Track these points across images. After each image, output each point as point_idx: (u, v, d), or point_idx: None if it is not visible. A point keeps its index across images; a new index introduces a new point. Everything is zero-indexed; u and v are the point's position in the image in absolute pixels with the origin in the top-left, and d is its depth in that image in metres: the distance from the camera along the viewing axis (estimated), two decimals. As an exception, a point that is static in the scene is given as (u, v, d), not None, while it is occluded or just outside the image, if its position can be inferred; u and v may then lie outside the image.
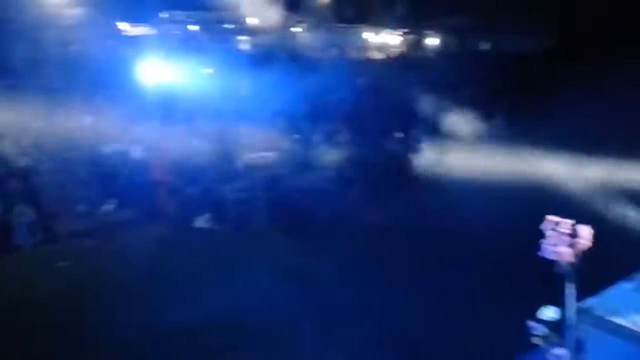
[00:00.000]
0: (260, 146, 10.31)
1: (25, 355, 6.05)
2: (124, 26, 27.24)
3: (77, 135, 9.92)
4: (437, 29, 21.73)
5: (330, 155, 10.60)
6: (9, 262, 8.36)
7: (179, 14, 26.99)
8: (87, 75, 14.62)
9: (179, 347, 5.97)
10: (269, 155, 10.20)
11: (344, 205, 9.36)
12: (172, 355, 5.95)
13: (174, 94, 10.91)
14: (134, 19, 28.18)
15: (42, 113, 10.50)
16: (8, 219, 8.64)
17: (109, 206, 9.44)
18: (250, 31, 24.30)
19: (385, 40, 24.19)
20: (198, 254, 8.40)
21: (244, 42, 20.44)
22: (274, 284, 7.27)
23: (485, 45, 19.48)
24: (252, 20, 26.57)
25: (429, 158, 11.49)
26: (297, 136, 10.92)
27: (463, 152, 11.11)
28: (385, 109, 12.31)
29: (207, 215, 9.58)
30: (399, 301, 6.63)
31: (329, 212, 8.96)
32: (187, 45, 19.09)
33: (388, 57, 21.23)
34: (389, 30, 23.80)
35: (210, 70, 12.27)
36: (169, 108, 11.10)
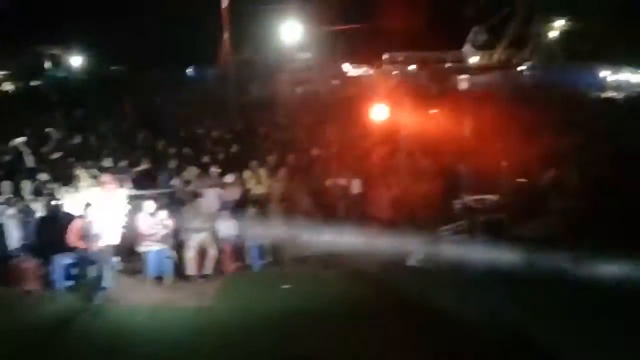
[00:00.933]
0: (481, 188, 9.90)
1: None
2: (348, 68, 29.27)
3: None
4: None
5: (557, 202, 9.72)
6: (242, 279, 9.26)
7: (399, 55, 28.07)
8: (314, 112, 15.88)
9: None
10: (490, 198, 9.73)
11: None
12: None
13: (396, 131, 11.19)
14: (357, 61, 30.12)
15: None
16: (243, 241, 9.51)
17: (327, 235, 9.86)
18: (472, 70, 24.15)
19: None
20: (407, 291, 8.38)
21: (464, 81, 20.30)
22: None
23: None
24: (473, 59, 26.38)
25: None
26: (522, 179, 10.25)
27: None
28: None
29: (420, 254, 9.50)
30: None
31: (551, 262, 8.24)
32: (404, 85, 19.52)
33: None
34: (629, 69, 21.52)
35: (434, 110, 12.40)
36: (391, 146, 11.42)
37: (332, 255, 9.69)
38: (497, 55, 26.63)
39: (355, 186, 10.31)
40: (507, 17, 27.08)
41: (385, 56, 28.83)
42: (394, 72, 26.35)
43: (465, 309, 7.62)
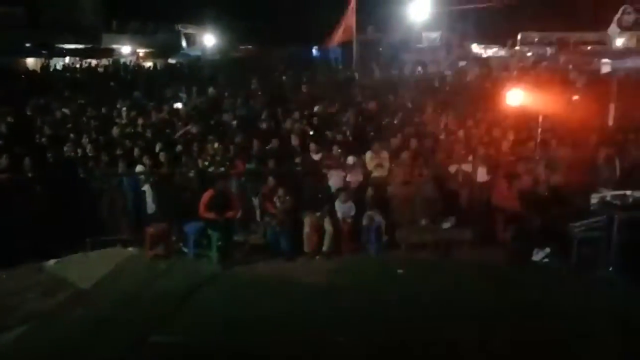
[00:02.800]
0: (624, 182, 9.02)
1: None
2: (477, 48, 27.98)
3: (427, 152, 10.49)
4: None
5: None
6: (358, 260, 9.25)
7: (534, 35, 26.26)
8: (439, 94, 15.38)
9: None
10: (633, 195, 8.84)
11: None
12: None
13: (531, 118, 10.52)
14: (487, 42, 28.69)
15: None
16: (358, 221, 9.49)
17: (447, 224, 9.58)
18: (619, 52, 22.06)
19: None
20: (530, 288, 7.87)
21: (608, 65, 18.55)
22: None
23: None
24: (620, 41, 24.07)
25: None
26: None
27: None
28: None
29: (546, 250, 8.93)
30: None
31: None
32: (540, 67, 18.26)
33: None
34: None
35: (573, 96, 11.49)
36: (521, 133, 10.77)
37: (452, 243, 9.41)
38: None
39: (481, 174, 9.84)
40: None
41: (518, 36, 27.11)
42: (528, 54, 24.71)
43: (588, 312, 7.03)
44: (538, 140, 9.75)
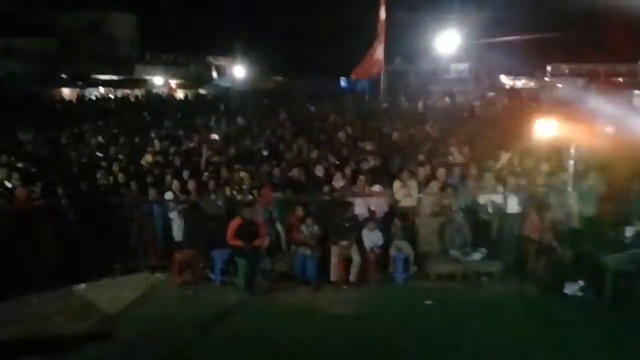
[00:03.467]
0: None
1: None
2: (505, 80, 27.96)
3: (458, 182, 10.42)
4: None
5: None
6: (385, 290, 9.16)
7: (564, 67, 26.19)
8: (468, 124, 15.33)
9: None
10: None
11: None
12: None
13: (561, 150, 10.38)
14: (516, 73, 28.66)
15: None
16: (386, 251, 9.40)
17: (477, 255, 9.41)
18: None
19: None
20: (565, 323, 7.66)
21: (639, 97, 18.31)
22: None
23: None
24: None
25: None
26: None
27: None
28: None
29: (580, 283, 8.69)
30: None
31: None
32: (574, 98, 18.07)
33: None
34: None
35: (609, 129, 11.28)
36: (553, 164, 10.62)
37: (482, 274, 9.24)
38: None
39: (512, 204, 9.68)
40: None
41: (548, 68, 27.04)
42: (558, 85, 24.57)
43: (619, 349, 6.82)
44: (571, 171, 9.56)
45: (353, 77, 22.30)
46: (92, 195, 10.47)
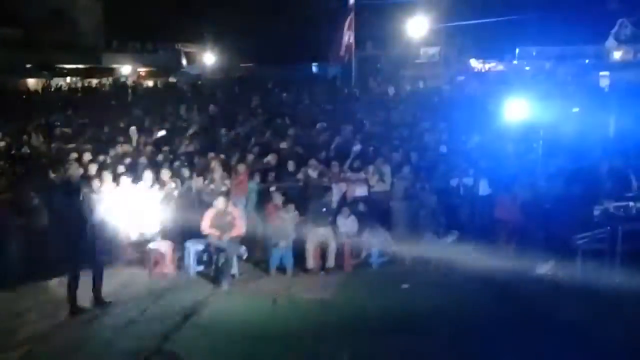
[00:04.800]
0: (625, 193, 9.00)
1: None
2: (475, 63, 28.20)
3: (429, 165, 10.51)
4: None
5: None
6: (361, 275, 9.24)
7: (532, 50, 26.50)
8: (440, 109, 15.45)
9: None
10: (634, 206, 8.81)
11: None
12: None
13: (530, 131, 10.54)
14: (485, 56, 28.92)
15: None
16: (364, 237, 9.47)
17: (450, 237, 9.54)
18: (614, 66, 22.23)
19: None
20: (534, 302, 7.85)
21: (606, 78, 18.69)
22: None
23: None
24: (617, 54, 24.24)
25: None
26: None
27: None
28: None
29: (551, 263, 8.88)
30: None
31: None
32: (541, 81, 18.34)
33: None
34: None
35: (575, 109, 11.52)
36: (522, 146, 10.78)
37: (456, 258, 9.35)
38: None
39: (484, 187, 9.82)
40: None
41: (516, 51, 27.35)
42: (527, 68, 24.90)
43: (595, 327, 6.99)
44: (540, 152, 9.73)
45: (326, 61, 22.26)
46: (62, 188, 10.26)
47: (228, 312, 7.89)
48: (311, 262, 9.27)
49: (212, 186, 10.09)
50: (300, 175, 10.43)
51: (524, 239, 9.17)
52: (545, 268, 8.84)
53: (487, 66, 28.88)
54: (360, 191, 10.18)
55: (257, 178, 10.30)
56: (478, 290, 8.33)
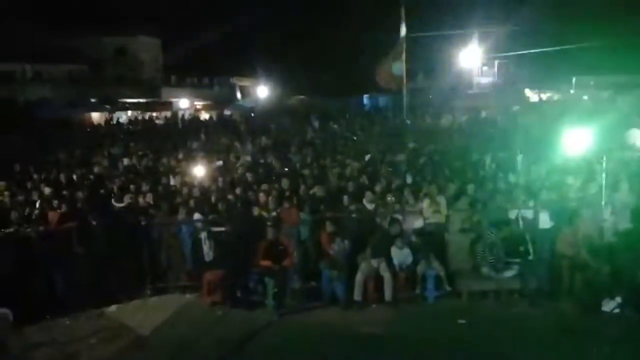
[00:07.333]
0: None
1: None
2: (530, 93, 27.68)
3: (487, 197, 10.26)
4: None
5: None
6: (416, 309, 9.01)
7: (589, 79, 25.82)
8: (495, 140, 15.18)
9: None
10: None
11: None
12: None
13: (591, 163, 10.20)
14: (540, 86, 28.36)
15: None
16: (416, 270, 9.28)
17: (509, 272, 9.23)
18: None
19: None
20: (603, 343, 7.37)
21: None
22: None
23: None
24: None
25: None
26: None
27: None
28: None
29: (618, 300, 8.43)
30: None
31: None
32: (601, 111, 17.78)
33: None
34: None
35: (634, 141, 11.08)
36: (584, 178, 10.42)
37: (516, 292, 9.03)
38: None
39: (545, 220, 9.51)
40: None
41: (573, 80, 26.70)
42: (584, 97, 24.24)
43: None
44: (603, 184, 9.34)
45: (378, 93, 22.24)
46: (122, 216, 10.60)
47: (280, 343, 7.87)
48: (358, 293, 9.09)
49: (265, 216, 10.17)
50: (354, 207, 10.37)
51: (588, 274, 8.76)
52: (611, 305, 8.41)
53: (543, 96, 28.26)
54: (416, 223, 10.02)
55: (307, 209, 10.30)
56: (538, 328, 8.00)
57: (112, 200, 11.43)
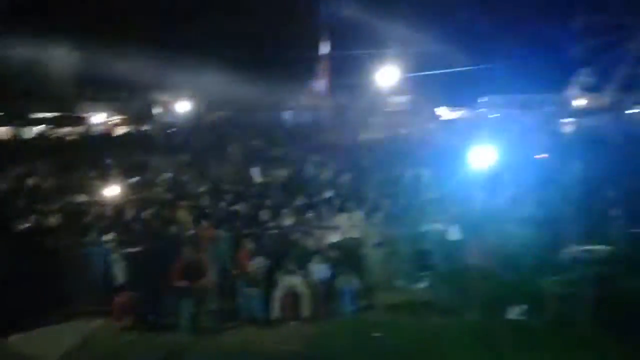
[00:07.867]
0: (590, 238, 9.17)
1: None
2: (441, 111, 28.86)
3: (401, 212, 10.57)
4: None
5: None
6: (333, 323, 9.04)
7: (498, 98, 27.31)
8: (409, 157, 15.69)
9: None
10: (600, 249, 8.98)
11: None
12: None
13: (496, 177, 10.75)
14: (453, 104, 29.65)
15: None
16: (333, 285, 9.37)
17: (422, 283, 9.53)
18: (577, 113, 23.01)
19: None
20: (509, 347, 7.79)
21: (569, 125, 19.34)
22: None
23: None
24: (578, 102, 25.12)
25: None
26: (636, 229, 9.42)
27: None
28: None
29: (523, 307, 8.89)
30: None
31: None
32: (507, 128, 18.85)
33: None
34: None
35: (540, 155, 11.83)
36: (489, 192, 10.96)
37: (429, 303, 9.32)
38: (606, 97, 25.26)
39: (453, 233, 9.90)
40: (617, 58, 25.69)
41: (483, 99, 28.16)
42: (493, 115, 25.61)
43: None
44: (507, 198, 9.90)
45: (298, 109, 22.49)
46: (26, 238, 10.01)
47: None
48: (277, 310, 9.07)
49: (181, 235, 9.94)
50: (272, 223, 10.36)
51: (494, 283, 9.18)
52: (516, 312, 8.84)
53: (455, 114, 29.59)
54: (333, 238, 10.14)
55: (226, 226, 10.18)
56: (449, 338, 8.26)
57: (15, 222, 10.74)
